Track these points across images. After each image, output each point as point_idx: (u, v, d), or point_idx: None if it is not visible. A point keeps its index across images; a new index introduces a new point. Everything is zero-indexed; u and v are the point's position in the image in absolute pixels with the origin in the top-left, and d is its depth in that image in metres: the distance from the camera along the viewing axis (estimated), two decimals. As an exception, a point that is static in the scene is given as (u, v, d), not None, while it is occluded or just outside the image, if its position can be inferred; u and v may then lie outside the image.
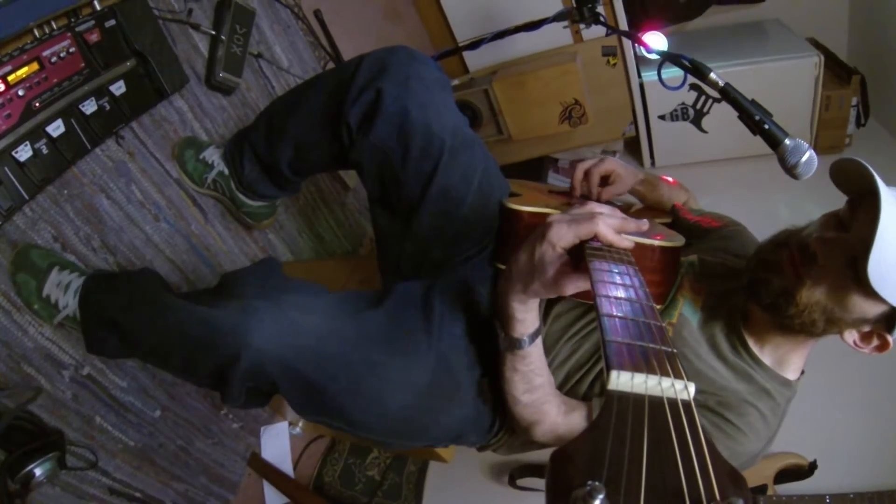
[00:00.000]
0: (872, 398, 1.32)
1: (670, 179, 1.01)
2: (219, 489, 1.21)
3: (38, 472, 0.81)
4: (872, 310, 0.62)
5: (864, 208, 0.61)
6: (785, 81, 1.71)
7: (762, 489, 1.25)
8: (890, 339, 0.64)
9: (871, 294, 0.59)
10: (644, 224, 0.59)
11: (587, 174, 0.90)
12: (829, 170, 0.66)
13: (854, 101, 1.79)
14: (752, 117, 0.82)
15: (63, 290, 0.89)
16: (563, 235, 0.57)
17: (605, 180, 0.92)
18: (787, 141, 0.79)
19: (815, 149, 0.78)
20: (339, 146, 0.90)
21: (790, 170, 0.79)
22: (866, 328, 0.65)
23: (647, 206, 1.02)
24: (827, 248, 0.63)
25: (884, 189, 0.59)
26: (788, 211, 1.72)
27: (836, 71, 1.85)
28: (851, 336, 0.66)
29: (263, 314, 0.68)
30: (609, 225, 0.56)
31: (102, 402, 0.99)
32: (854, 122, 1.84)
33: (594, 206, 0.60)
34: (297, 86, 1.02)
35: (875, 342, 0.65)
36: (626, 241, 0.56)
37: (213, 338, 0.69)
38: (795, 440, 1.22)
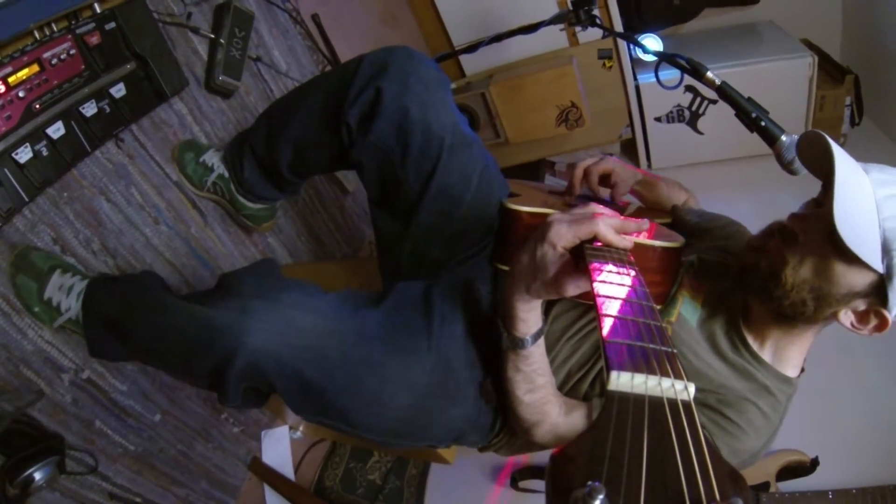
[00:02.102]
0: (873, 394, 1.33)
1: (654, 175, 1.01)
2: (220, 493, 1.20)
3: (37, 476, 0.81)
4: (859, 280, 0.61)
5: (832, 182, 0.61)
6: (779, 82, 1.73)
7: (765, 486, 1.25)
8: (887, 314, 0.62)
9: (853, 259, 0.58)
10: (644, 224, 0.60)
11: (587, 173, 0.91)
12: (797, 152, 0.68)
13: (848, 100, 1.81)
14: (749, 115, 0.83)
15: (65, 293, 0.88)
16: (563, 235, 0.57)
17: (605, 179, 0.93)
18: (783, 137, 0.80)
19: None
20: (338, 146, 0.90)
21: (787, 166, 0.80)
22: (861, 306, 0.64)
23: (647, 207, 1.02)
24: (804, 224, 0.65)
25: (839, 150, 0.60)
26: (785, 210, 1.73)
27: (830, 71, 1.87)
28: (848, 317, 0.65)
29: (261, 313, 0.68)
30: (609, 225, 0.56)
31: (102, 406, 0.98)
32: (848, 122, 1.85)
33: (594, 207, 0.60)
34: (296, 87, 1.02)
35: (873, 321, 0.64)
36: (626, 242, 0.56)
37: (210, 337, 0.68)
38: (797, 437, 1.23)
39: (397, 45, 0.86)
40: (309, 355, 0.69)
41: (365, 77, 0.84)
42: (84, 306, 0.89)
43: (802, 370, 0.75)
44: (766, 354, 0.72)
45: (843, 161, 0.60)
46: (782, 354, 0.73)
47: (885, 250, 0.59)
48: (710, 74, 0.87)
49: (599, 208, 0.59)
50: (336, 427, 0.75)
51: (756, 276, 0.68)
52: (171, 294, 0.93)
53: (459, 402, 0.78)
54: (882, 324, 0.63)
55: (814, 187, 0.69)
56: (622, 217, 0.58)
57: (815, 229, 0.63)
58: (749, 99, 0.83)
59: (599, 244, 0.56)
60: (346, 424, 0.74)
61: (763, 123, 0.81)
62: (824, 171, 0.63)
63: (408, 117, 0.83)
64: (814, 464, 1.24)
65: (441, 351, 0.76)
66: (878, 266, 0.59)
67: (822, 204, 0.64)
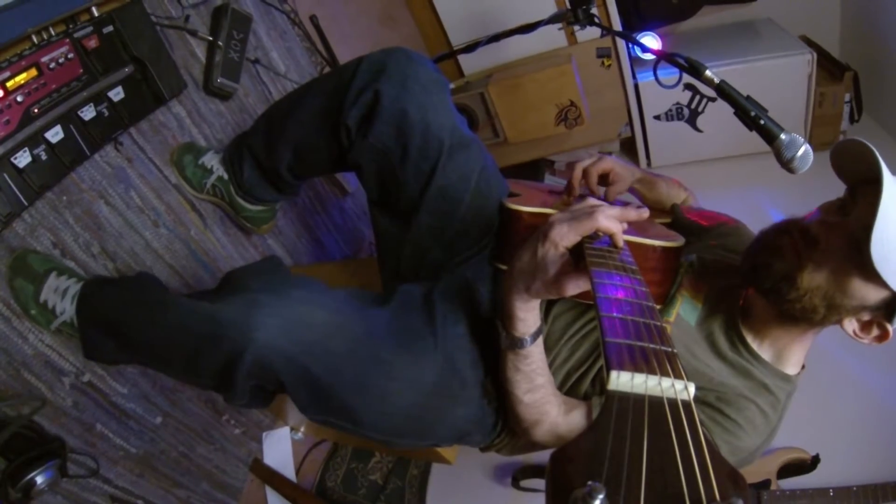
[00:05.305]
0: (875, 392, 1.33)
1: (653, 173, 1.01)
2: (221, 495, 1.21)
3: (39, 480, 0.81)
4: (873, 295, 0.62)
5: (865, 193, 0.61)
6: (778, 79, 1.73)
7: (766, 484, 1.25)
8: (890, 328, 0.64)
9: (873, 276, 0.59)
10: (645, 212, 0.60)
11: (586, 173, 0.91)
12: (831, 153, 0.66)
13: (847, 97, 1.81)
14: (748, 113, 0.83)
15: (60, 295, 0.88)
16: (565, 235, 0.57)
17: (604, 179, 0.93)
18: (782, 136, 0.80)
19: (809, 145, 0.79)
20: (338, 148, 0.90)
21: (786, 164, 0.80)
22: (866, 316, 0.65)
23: (647, 206, 1.02)
24: (828, 232, 0.64)
25: (886, 169, 0.59)
26: (784, 207, 1.73)
27: (829, 68, 1.86)
28: (851, 325, 0.66)
29: (270, 309, 0.67)
30: (609, 216, 0.56)
31: (103, 409, 0.98)
32: (847, 119, 1.85)
33: (591, 201, 0.60)
34: (295, 89, 1.02)
35: (875, 332, 0.65)
36: (625, 227, 0.57)
37: (218, 333, 0.68)
38: (798, 435, 1.22)
39: (396, 47, 0.86)
40: (318, 351, 0.68)
41: (364, 79, 0.84)
42: (78, 308, 0.89)
43: (803, 367, 0.75)
44: (765, 353, 0.72)
45: (890, 181, 0.58)
46: (782, 352, 0.73)
47: None
48: (708, 73, 0.87)
49: (596, 201, 0.59)
50: (341, 426, 0.74)
51: (769, 277, 0.67)
52: (172, 293, 0.93)
53: (464, 402, 0.78)
54: (883, 335, 0.65)
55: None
56: (622, 207, 0.58)
57: (839, 239, 0.62)
58: (748, 97, 0.83)
59: (599, 244, 0.56)
60: (352, 423, 0.73)
61: (762, 122, 0.81)
62: (856, 179, 0.64)
63: (406, 119, 0.83)
64: (815, 461, 1.24)
65: (446, 351, 0.76)
66: (895, 285, 0.60)
67: (849, 213, 0.64)
